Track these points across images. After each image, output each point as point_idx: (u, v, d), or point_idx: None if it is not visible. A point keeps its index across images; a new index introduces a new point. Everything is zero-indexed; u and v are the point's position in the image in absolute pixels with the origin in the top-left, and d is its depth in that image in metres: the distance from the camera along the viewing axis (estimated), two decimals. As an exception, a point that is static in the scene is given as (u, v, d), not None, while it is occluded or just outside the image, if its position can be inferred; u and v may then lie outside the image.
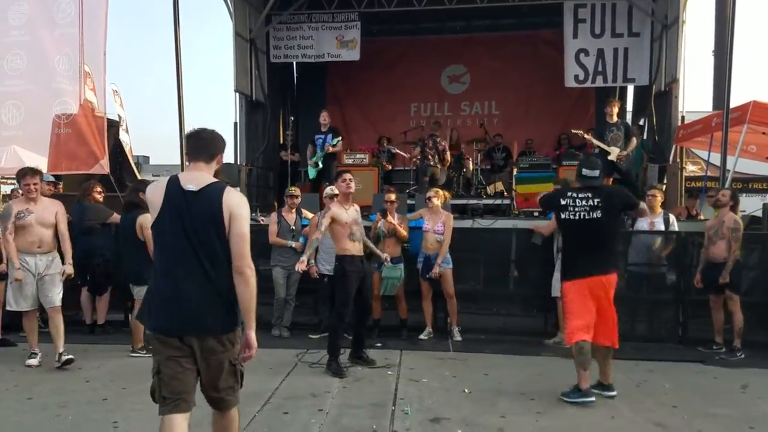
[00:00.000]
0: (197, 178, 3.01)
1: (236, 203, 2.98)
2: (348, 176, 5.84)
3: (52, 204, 5.84)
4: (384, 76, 13.09)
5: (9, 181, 10.99)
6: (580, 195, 4.88)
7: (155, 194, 3.03)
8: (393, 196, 7.08)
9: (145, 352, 6.13)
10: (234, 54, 10.87)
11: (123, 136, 9.81)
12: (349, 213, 5.73)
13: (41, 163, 8.43)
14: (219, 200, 2.94)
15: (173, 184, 3.01)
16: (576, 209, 4.85)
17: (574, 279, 4.85)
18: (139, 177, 10.06)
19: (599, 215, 4.78)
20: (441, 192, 7.24)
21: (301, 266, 5.52)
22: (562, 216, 4.92)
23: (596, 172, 4.99)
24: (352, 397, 4.89)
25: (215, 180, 3.06)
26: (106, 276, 7.02)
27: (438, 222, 6.88)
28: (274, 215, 7.30)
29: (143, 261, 6.19)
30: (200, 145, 3.11)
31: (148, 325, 3.17)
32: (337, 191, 5.91)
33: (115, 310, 7.36)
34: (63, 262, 5.88)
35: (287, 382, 5.29)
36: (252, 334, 3.08)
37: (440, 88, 13.58)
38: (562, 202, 4.91)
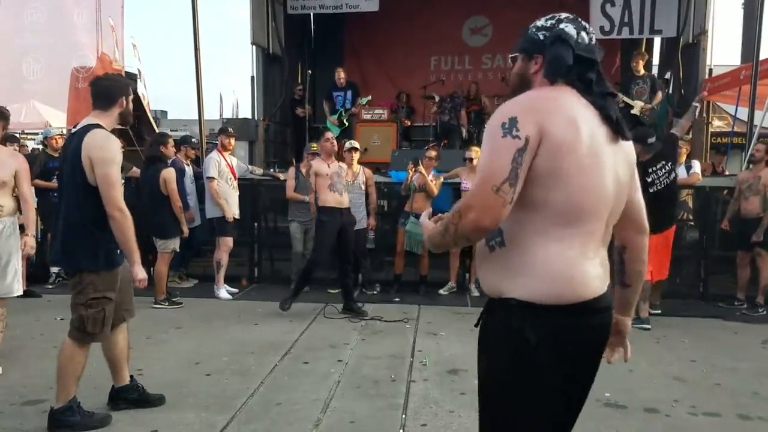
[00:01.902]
0: (83, 122, 3.30)
1: (94, 145, 3.13)
2: (330, 134, 6.35)
3: (10, 157, 4.40)
4: (403, 28, 12.79)
5: (30, 136, 11.06)
6: (657, 166, 5.40)
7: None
8: (433, 153, 7.06)
9: (167, 303, 6.25)
10: (250, 6, 10.69)
11: (141, 90, 9.75)
12: (331, 167, 6.08)
13: (60, 117, 8.46)
14: (81, 142, 3.14)
15: (71, 129, 3.44)
16: (660, 179, 5.46)
17: (655, 233, 5.28)
18: (157, 131, 10.07)
19: (673, 175, 5.48)
20: (479, 150, 7.15)
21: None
22: (650, 191, 5.35)
23: (654, 137, 5.53)
24: (371, 348, 4.95)
25: (92, 123, 3.24)
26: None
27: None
28: (291, 170, 7.28)
29: (167, 215, 6.28)
30: (97, 92, 3.35)
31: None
32: (318, 149, 6.49)
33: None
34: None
35: (307, 334, 5.37)
36: (134, 268, 3.30)
37: (461, 40, 13.25)
38: (649, 180, 5.38)
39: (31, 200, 4.49)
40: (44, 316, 5.59)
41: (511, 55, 1.83)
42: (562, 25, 1.71)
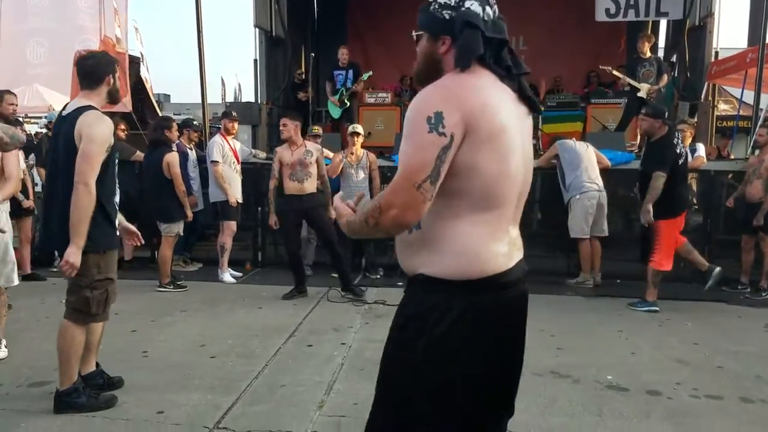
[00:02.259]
0: (73, 104, 3.28)
1: (87, 123, 3.12)
2: (287, 120, 6.14)
3: None
4: (407, 9, 12.61)
5: (33, 120, 11.06)
6: (679, 141, 5.64)
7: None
8: None
9: (172, 287, 6.28)
10: (253, -12, 10.62)
11: (144, 74, 9.73)
12: (295, 153, 6.05)
13: (63, 100, 8.44)
14: (74, 122, 3.12)
15: (61, 113, 3.35)
16: (684, 154, 5.66)
17: (675, 217, 5.59)
18: (160, 114, 10.05)
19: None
20: None
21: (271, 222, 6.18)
22: (680, 162, 5.51)
23: (666, 113, 5.81)
24: (374, 332, 4.97)
25: (85, 104, 3.21)
26: (130, 213, 7.10)
27: None
28: (295, 154, 7.25)
29: (170, 199, 6.28)
30: (83, 72, 3.29)
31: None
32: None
33: (141, 247, 7.47)
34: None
35: (310, 318, 5.39)
36: (70, 250, 3.06)
37: (464, 22, 13.17)
38: (678, 151, 5.51)
39: (14, 178, 4.23)
40: (49, 299, 5.62)
41: (415, 33, 1.79)
42: (467, 3, 1.66)
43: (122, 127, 7.18)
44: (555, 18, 12.50)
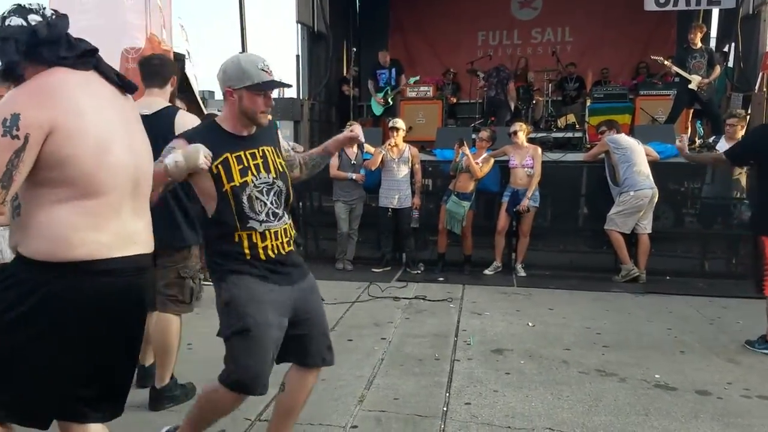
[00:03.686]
0: (150, 103, 3.20)
1: (190, 124, 3.06)
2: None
3: None
4: (450, 2, 12.56)
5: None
6: None
7: None
8: (486, 134, 6.95)
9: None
10: (295, -18, 10.67)
11: (189, 71, 9.88)
12: None
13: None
14: (171, 122, 3.10)
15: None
16: None
17: None
18: (205, 111, 10.20)
19: None
20: (524, 126, 7.03)
21: None
22: None
23: None
24: (414, 327, 4.95)
25: (169, 104, 3.22)
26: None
27: (526, 156, 6.72)
28: (335, 149, 7.27)
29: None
30: (152, 71, 3.28)
31: None
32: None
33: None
34: None
35: (351, 312, 5.40)
36: None
37: (510, 14, 12.96)
38: None
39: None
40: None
41: None
42: (6, 22, 1.76)
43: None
44: (602, 8, 12.22)
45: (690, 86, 8.11)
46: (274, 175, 2.42)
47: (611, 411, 3.38)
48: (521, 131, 6.79)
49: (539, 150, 6.84)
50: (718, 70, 8.36)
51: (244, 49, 8.38)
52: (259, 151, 2.41)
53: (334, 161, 7.08)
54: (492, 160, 6.88)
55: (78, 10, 8.84)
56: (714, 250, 7.17)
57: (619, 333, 4.81)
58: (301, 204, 7.93)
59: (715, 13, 11.70)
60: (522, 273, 6.81)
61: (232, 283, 2.36)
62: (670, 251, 7.01)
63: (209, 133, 2.39)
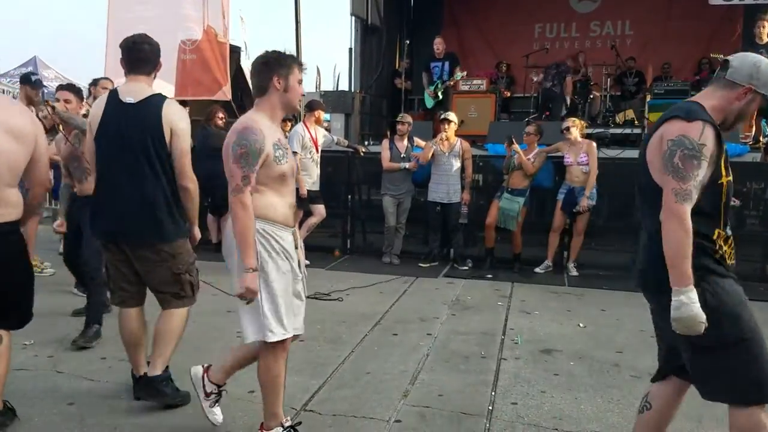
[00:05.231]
0: (137, 90, 3.07)
1: (176, 116, 3.04)
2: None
3: None
4: (505, -6, 12.37)
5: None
6: None
7: (96, 108, 3.14)
8: (532, 129, 6.80)
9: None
10: (350, -24, 10.68)
11: (244, 63, 10.04)
12: None
13: (168, 89, 8.82)
14: (158, 111, 2.99)
15: (113, 97, 3.11)
16: None
17: None
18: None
19: None
20: (579, 121, 6.83)
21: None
22: None
23: None
24: (461, 324, 4.88)
25: (155, 92, 3.10)
26: (226, 198, 7.32)
27: (580, 152, 6.52)
28: (385, 142, 7.25)
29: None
30: (140, 57, 3.12)
31: (92, 231, 3.35)
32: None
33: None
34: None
35: (397, 306, 5.37)
36: (194, 230, 3.35)
37: (568, 6, 12.64)
38: None
39: None
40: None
41: None
42: None
43: (220, 115, 7.45)
44: (665, 1, 11.79)
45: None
46: None
47: (665, 419, 3.24)
48: (574, 127, 6.60)
49: (594, 145, 6.63)
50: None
51: (297, 42, 8.44)
52: None
53: (386, 154, 7.05)
54: (544, 155, 6.71)
55: (136, 1, 9.07)
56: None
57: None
58: (349, 197, 7.94)
59: (787, 5, 11.12)
60: (574, 272, 6.64)
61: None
62: (744, 253, 6.70)
63: None
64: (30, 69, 14.90)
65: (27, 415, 3.11)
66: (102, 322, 4.24)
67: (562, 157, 6.66)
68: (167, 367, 3.25)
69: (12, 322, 2.87)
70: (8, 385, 3.30)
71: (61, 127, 4.35)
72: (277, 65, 2.64)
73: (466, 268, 6.92)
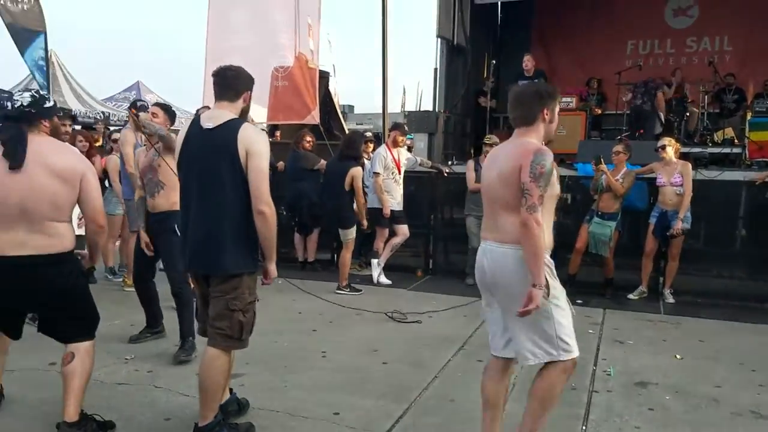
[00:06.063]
0: (217, 116, 3.04)
1: (252, 139, 2.95)
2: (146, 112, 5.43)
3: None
4: (598, 11, 12.04)
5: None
6: None
7: (181, 134, 3.16)
8: (620, 147, 6.59)
9: (349, 290, 6.55)
10: (438, -1, 10.74)
11: (333, 87, 10.28)
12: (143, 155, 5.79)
13: (262, 113, 9.17)
14: (234, 135, 2.93)
15: (195, 123, 3.11)
16: None
17: None
18: (345, 126, 10.55)
19: None
20: (673, 141, 6.55)
21: None
22: None
23: None
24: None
25: (234, 117, 3.05)
26: (312, 218, 7.54)
27: (674, 173, 6.24)
28: (470, 162, 7.20)
29: (350, 209, 6.64)
30: (224, 84, 3.10)
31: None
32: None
33: (323, 250, 7.94)
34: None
35: (481, 330, 5.28)
36: (270, 266, 3.14)
37: (663, 22, 12.15)
38: None
39: None
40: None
41: None
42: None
43: (308, 138, 7.70)
44: (764, 14, 11.11)
45: None
46: None
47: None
48: (670, 146, 6.32)
49: (689, 166, 6.32)
50: None
51: (384, 66, 8.57)
52: None
53: (471, 175, 7.00)
54: (633, 174, 6.45)
55: (233, 30, 9.48)
56: None
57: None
58: (432, 216, 7.94)
59: None
60: (670, 299, 6.32)
61: None
62: None
63: None
64: (134, 93, 15.92)
65: (126, 429, 3.27)
66: (195, 334, 4.34)
67: (655, 178, 6.39)
68: (217, 413, 3.06)
69: (82, 331, 3.14)
70: (109, 399, 3.52)
71: (143, 138, 4.62)
72: (548, 98, 2.77)
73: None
